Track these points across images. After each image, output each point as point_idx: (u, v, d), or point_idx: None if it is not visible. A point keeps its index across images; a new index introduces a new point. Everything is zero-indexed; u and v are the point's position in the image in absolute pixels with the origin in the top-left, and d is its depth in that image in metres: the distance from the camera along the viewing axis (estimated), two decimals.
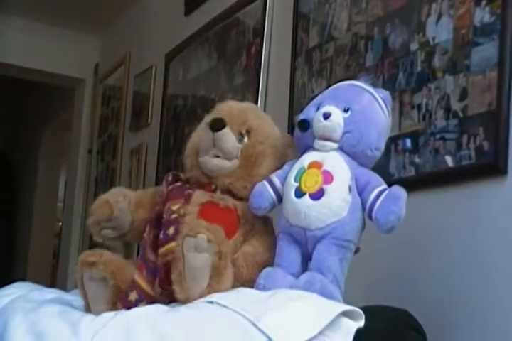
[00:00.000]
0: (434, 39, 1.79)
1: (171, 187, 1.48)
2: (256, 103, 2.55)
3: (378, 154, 1.46)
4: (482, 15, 1.66)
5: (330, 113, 1.40)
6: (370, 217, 1.37)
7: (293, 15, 2.42)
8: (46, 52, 4.49)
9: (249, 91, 2.65)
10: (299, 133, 1.45)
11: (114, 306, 1.31)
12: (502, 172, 1.56)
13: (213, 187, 1.45)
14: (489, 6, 1.65)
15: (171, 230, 1.37)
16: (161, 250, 1.36)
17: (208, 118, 1.49)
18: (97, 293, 1.32)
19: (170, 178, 1.50)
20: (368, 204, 1.37)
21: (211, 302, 1.22)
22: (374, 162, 1.46)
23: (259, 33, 2.63)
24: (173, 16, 3.46)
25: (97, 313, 1.26)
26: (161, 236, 1.37)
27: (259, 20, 2.63)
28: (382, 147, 1.46)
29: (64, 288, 3.69)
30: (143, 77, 3.76)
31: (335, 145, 1.41)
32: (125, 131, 3.97)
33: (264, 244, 1.44)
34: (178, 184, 1.48)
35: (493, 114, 1.59)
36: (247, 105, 1.58)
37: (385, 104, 1.47)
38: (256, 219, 1.46)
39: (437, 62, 1.76)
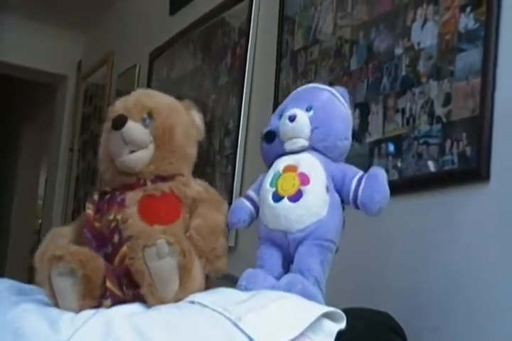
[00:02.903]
0: (418, 44, 1.80)
1: (101, 203, 1.44)
2: (240, 104, 2.56)
3: (348, 143, 1.48)
4: (466, 21, 1.67)
5: (295, 115, 1.42)
6: (355, 204, 1.38)
7: (278, 17, 2.43)
8: (28, 48, 4.47)
9: (233, 91, 2.65)
10: (266, 146, 1.47)
11: (84, 301, 1.28)
12: (484, 178, 1.57)
13: (142, 182, 1.42)
14: (474, 12, 1.66)
15: (116, 238, 1.35)
16: (116, 260, 1.34)
17: (106, 124, 1.47)
18: (65, 288, 1.29)
19: (96, 197, 1.46)
20: (352, 193, 1.38)
21: (193, 302, 1.22)
22: (346, 152, 1.48)
23: (244, 34, 2.63)
24: (158, 15, 3.45)
25: (66, 310, 1.25)
26: (110, 249, 1.35)
27: (245, 21, 2.64)
28: (350, 136, 1.48)
29: None
30: (126, 76, 3.75)
31: (306, 142, 1.42)
32: None
33: (209, 208, 1.42)
34: (108, 197, 1.44)
35: (476, 119, 1.60)
36: (136, 92, 1.54)
37: (343, 98, 1.50)
38: (194, 192, 1.43)
39: (422, 67, 1.78)
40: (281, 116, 1.47)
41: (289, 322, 1.16)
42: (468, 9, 1.67)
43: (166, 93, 1.54)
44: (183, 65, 3.12)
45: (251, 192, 1.49)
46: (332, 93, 1.49)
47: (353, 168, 1.42)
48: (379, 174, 1.38)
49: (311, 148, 1.43)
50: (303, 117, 1.43)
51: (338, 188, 1.40)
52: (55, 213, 4.52)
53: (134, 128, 1.41)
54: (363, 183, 1.37)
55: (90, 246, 1.37)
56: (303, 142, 1.43)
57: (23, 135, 5.75)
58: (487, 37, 1.61)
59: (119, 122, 1.40)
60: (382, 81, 1.89)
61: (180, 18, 3.23)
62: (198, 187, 1.45)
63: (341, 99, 1.49)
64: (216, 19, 2.89)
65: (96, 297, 1.30)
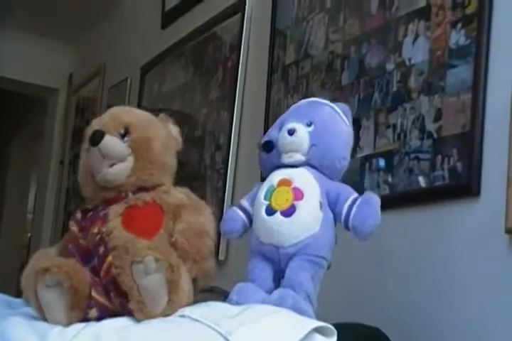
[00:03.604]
0: (410, 60, 1.81)
1: (84, 221, 1.43)
2: (231, 118, 2.56)
3: (346, 164, 1.47)
4: (457, 37, 1.68)
5: (294, 129, 1.42)
6: (346, 226, 1.38)
7: (270, 31, 2.43)
8: (19, 61, 4.46)
9: (224, 106, 2.65)
10: (264, 155, 1.47)
11: (71, 313, 1.27)
12: (474, 193, 1.58)
13: (123, 195, 1.42)
14: (465, 28, 1.67)
15: (101, 250, 1.34)
16: (102, 271, 1.33)
17: (85, 144, 1.47)
18: (52, 301, 1.28)
19: (79, 216, 1.45)
20: (344, 215, 1.38)
21: (183, 316, 1.22)
22: (343, 172, 1.47)
23: (235, 48, 2.64)
24: (150, 29, 3.46)
25: (54, 323, 1.25)
26: (96, 261, 1.35)
27: (236, 35, 2.64)
28: (349, 156, 1.48)
29: None
30: (118, 89, 3.76)
31: (302, 157, 1.42)
32: None
33: (192, 213, 1.40)
34: (90, 214, 1.43)
35: (467, 135, 1.61)
36: (112, 109, 1.53)
37: (346, 116, 1.49)
38: (176, 199, 1.43)
39: (413, 82, 1.78)
40: (280, 129, 1.46)
41: (280, 336, 1.15)
42: (459, 25, 1.68)
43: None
44: (174, 78, 3.13)
45: (245, 202, 1.49)
46: (334, 109, 1.48)
47: (348, 188, 1.42)
48: (372, 199, 1.37)
49: (308, 163, 1.43)
50: (302, 132, 1.42)
51: (331, 207, 1.39)
52: (44, 227, 4.50)
53: (111, 142, 1.41)
54: (355, 207, 1.37)
55: (78, 262, 1.36)
56: (300, 157, 1.42)
57: (12, 148, 5.74)
58: (478, 53, 1.62)
59: (97, 137, 1.40)
60: (374, 96, 1.90)
61: (171, 32, 3.23)
62: (179, 194, 1.45)
63: (343, 116, 1.48)
64: (208, 33, 2.89)
65: (83, 308, 1.30)
